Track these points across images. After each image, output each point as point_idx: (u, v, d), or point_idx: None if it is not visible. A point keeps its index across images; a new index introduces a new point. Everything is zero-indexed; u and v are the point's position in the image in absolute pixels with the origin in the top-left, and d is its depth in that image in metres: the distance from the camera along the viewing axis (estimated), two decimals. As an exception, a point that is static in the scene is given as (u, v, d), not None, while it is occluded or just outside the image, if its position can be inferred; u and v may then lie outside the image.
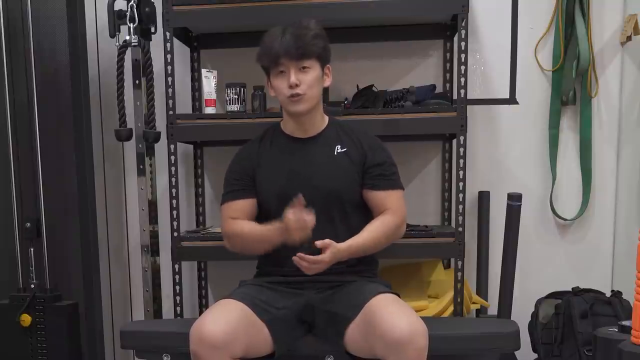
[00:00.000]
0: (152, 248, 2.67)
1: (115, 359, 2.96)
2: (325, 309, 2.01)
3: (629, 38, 2.59)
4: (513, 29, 2.69)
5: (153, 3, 2.55)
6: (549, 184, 2.73)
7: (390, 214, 2.08)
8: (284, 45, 1.97)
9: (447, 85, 2.69)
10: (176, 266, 2.53)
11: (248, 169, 2.13)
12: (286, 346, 2.00)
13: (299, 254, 1.89)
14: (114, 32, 2.50)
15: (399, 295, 2.04)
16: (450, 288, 2.45)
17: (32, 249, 2.58)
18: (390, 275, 2.52)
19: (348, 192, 2.08)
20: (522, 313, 2.58)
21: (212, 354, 1.81)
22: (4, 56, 2.53)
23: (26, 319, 2.52)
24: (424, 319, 1.85)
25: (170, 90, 2.45)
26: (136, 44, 2.49)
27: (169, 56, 2.44)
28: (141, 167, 2.64)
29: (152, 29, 2.56)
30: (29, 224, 2.57)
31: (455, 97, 2.49)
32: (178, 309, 2.56)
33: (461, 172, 2.37)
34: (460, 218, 2.38)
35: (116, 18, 2.49)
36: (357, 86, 2.58)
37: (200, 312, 2.79)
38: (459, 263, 2.40)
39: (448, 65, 2.69)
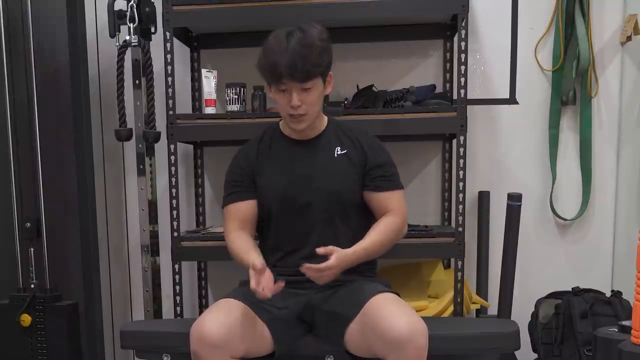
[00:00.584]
0: (152, 248, 2.68)
1: (115, 359, 2.96)
2: (325, 309, 2.01)
3: (629, 38, 2.59)
4: (513, 29, 2.69)
5: (153, 3, 2.55)
6: (549, 184, 2.73)
7: (393, 216, 2.07)
8: (287, 64, 1.89)
9: (447, 85, 2.69)
10: (176, 266, 2.53)
11: (248, 171, 2.12)
12: (286, 346, 2.00)
13: (306, 265, 1.87)
14: (114, 32, 2.50)
15: (399, 295, 2.04)
16: (450, 288, 2.45)
17: (32, 249, 2.58)
18: (390, 275, 2.52)
19: (349, 194, 2.08)
20: (522, 313, 2.58)
21: (213, 354, 1.81)
22: (4, 56, 2.53)
23: (26, 319, 2.52)
24: (424, 319, 1.85)
25: (170, 90, 2.45)
26: (136, 44, 2.49)
27: (169, 56, 2.44)
28: (141, 167, 2.64)
29: (152, 29, 2.56)
30: (29, 224, 2.57)
31: (455, 97, 2.49)
32: (178, 309, 2.56)
33: (461, 172, 2.37)
34: (460, 218, 2.38)
35: (116, 18, 2.49)
36: (357, 86, 2.58)
37: (200, 312, 2.79)
38: (459, 263, 2.40)
39: (448, 65, 2.69)
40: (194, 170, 2.85)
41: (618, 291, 2.53)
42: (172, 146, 2.47)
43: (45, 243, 2.57)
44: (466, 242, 2.42)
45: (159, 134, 2.58)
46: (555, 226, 2.77)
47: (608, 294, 2.54)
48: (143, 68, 2.56)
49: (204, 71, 2.52)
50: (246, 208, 2.12)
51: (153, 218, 2.69)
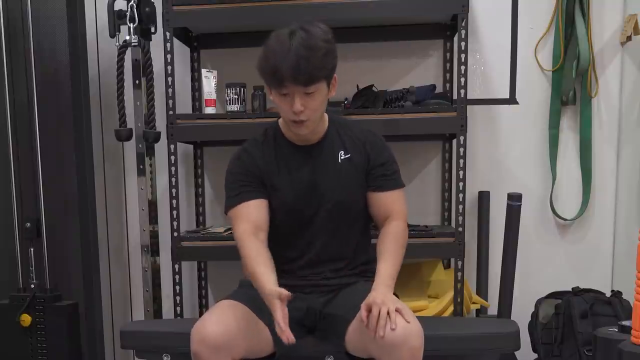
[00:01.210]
0: (152, 248, 2.68)
1: (115, 359, 2.96)
2: (327, 312, 2.01)
3: (629, 38, 2.59)
4: (513, 29, 2.69)
5: (153, 3, 2.55)
6: (549, 184, 2.73)
7: (396, 220, 2.03)
8: (290, 67, 1.78)
9: (447, 85, 2.70)
10: (176, 266, 2.53)
11: (255, 172, 2.02)
12: (287, 347, 1.99)
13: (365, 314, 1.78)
14: (114, 32, 2.50)
15: (397, 296, 2.04)
16: (450, 288, 2.45)
17: (32, 249, 2.58)
18: (390, 275, 2.51)
19: (354, 202, 2.04)
20: (522, 313, 2.58)
21: (213, 355, 1.80)
22: (4, 56, 2.53)
23: (26, 319, 2.52)
24: (424, 319, 1.85)
25: (170, 90, 2.45)
26: (136, 44, 2.49)
27: (169, 56, 2.44)
28: (141, 167, 2.64)
29: (152, 29, 2.56)
30: (29, 224, 2.57)
31: (455, 97, 2.49)
32: (178, 309, 2.56)
33: (461, 172, 2.37)
34: (460, 218, 2.39)
35: (116, 18, 2.49)
36: (357, 86, 2.58)
37: (201, 313, 2.80)
38: (459, 263, 2.40)
39: (448, 65, 2.69)
40: (194, 170, 2.85)
41: (618, 291, 2.53)
42: (172, 146, 2.47)
43: (45, 243, 2.57)
44: (466, 242, 2.42)
45: (159, 134, 2.58)
46: (555, 226, 2.77)
47: (608, 294, 2.54)
48: (143, 68, 2.57)
49: (204, 71, 2.52)
50: (258, 208, 1.99)
51: (153, 218, 2.69)
